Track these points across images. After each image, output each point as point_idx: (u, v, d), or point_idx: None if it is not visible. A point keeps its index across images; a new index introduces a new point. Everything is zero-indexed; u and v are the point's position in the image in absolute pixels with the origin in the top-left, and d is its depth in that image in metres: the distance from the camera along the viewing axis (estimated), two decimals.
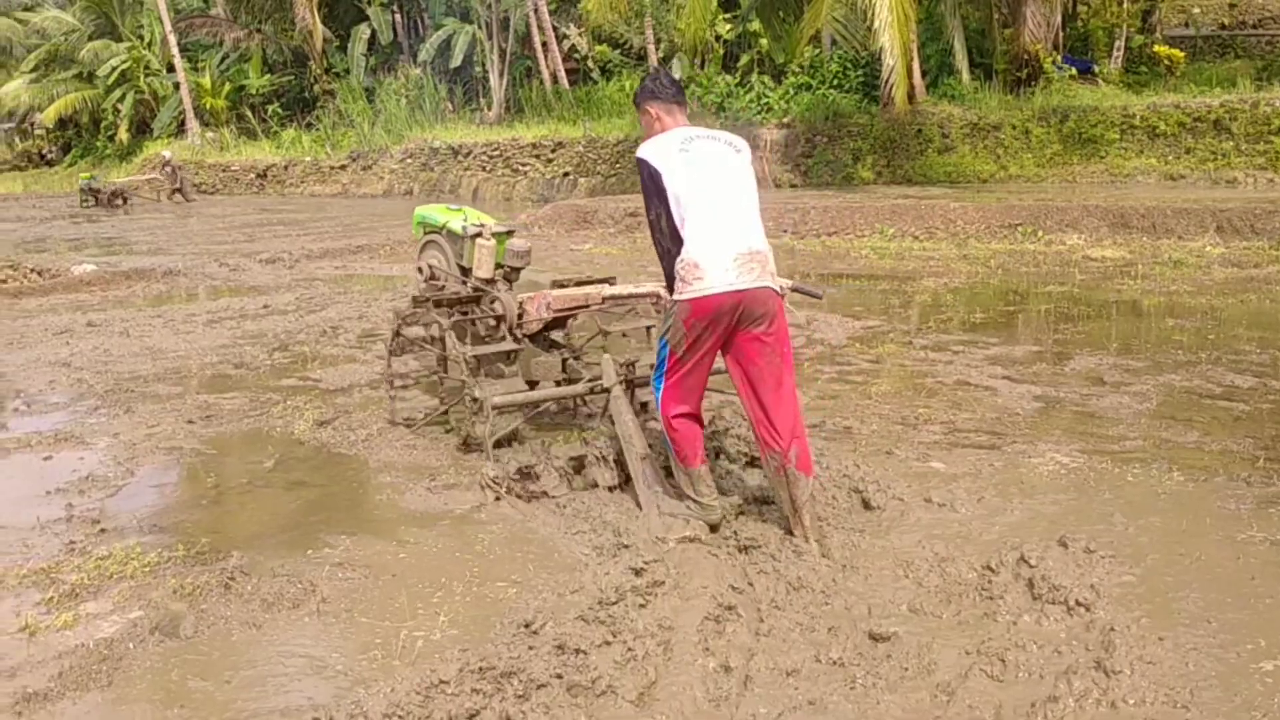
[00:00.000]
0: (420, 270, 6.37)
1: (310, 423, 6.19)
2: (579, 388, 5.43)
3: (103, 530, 4.63)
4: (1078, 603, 3.57)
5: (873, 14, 17.38)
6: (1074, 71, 20.78)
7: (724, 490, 4.63)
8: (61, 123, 42.28)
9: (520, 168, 25.81)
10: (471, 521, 4.63)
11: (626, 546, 4.14)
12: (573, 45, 30.04)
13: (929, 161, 20.14)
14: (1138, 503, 4.60)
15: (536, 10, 28.54)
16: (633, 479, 4.71)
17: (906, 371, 7.23)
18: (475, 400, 5.23)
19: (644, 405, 5.19)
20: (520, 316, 5.68)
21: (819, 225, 15.52)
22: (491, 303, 5.76)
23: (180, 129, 36.35)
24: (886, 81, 18.76)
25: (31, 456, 5.78)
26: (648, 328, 5.71)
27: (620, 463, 4.86)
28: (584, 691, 3.13)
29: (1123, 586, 3.74)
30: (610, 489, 4.86)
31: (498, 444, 5.25)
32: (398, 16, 34.01)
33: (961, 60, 20.65)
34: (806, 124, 21.58)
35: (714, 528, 4.34)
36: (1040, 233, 13.65)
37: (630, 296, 5.02)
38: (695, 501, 4.39)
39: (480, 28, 30.43)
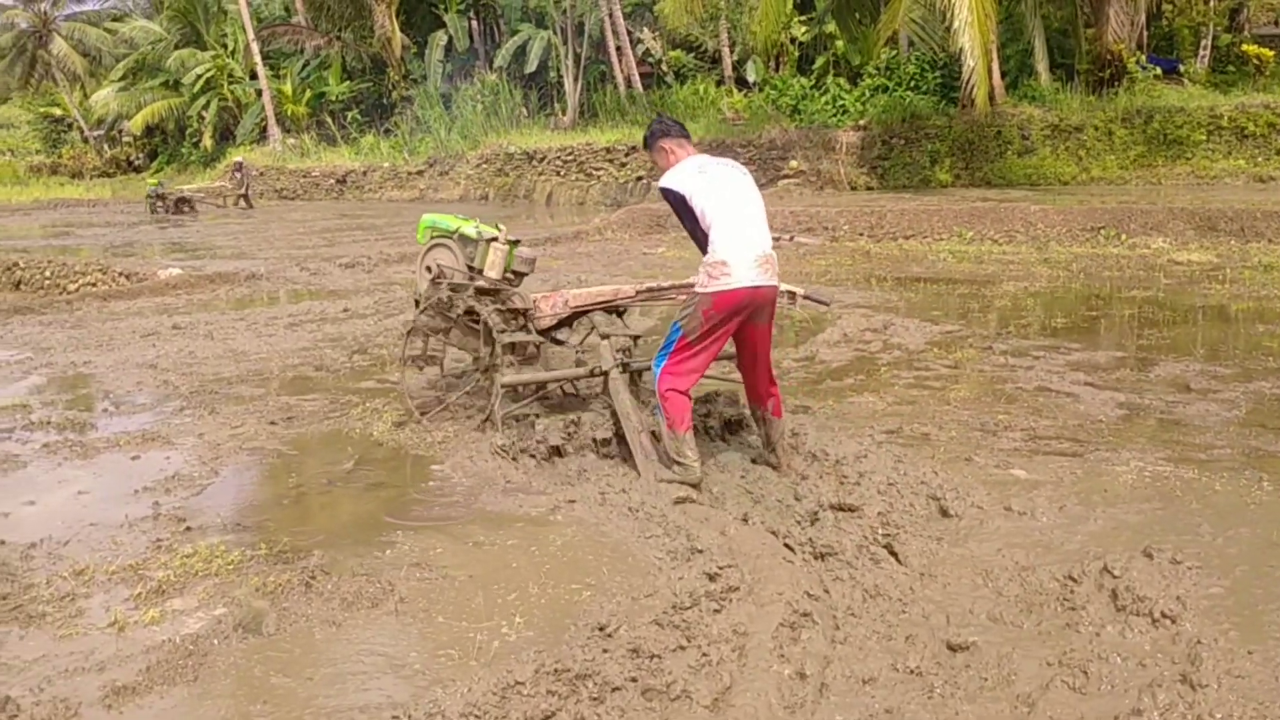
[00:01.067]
0: (429, 269, 6.65)
1: (388, 424, 6.27)
2: (581, 370, 6.01)
3: (188, 528, 4.73)
4: (1163, 614, 3.49)
5: (951, 14, 17.18)
6: (1159, 71, 20.35)
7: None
8: (148, 130, 43.43)
9: (594, 172, 25.92)
10: (546, 524, 4.66)
11: (700, 551, 4.14)
12: (647, 49, 30.10)
13: (1008, 163, 19.85)
14: (1226, 513, 4.48)
15: (611, 15, 28.64)
16: (631, 451, 5.23)
17: (985, 377, 7.13)
18: (504, 385, 5.84)
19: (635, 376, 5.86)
20: (537, 313, 6.17)
21: (895, 228, 15.37)
22: (512, 298, 6.24)
23: (262, 135, 37.10)
24: (965, 83, 18.53)
25: (120, 456, 5.92)
26: (634, 338, 6.17)
27: (617, 433, 5.46)
28: (659, 696, 3.13)
29: (1210, 598, 3.65)
30: (604, 442, 5.47)
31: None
32: (474, 23, 34.36)
33: (1042, 61, 20.33)
34: (883, 126, 21.39)
35: (696, 486, 4.95)
36: (1124, 236, 13.38)
37: (670, 289, 5.85)
38: (679, 463, 4.98)
39: (555, 33, 30.64)
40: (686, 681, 3.19)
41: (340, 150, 34.23)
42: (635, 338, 6.16)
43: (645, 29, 30.13)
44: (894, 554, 4.15)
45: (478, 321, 6.11)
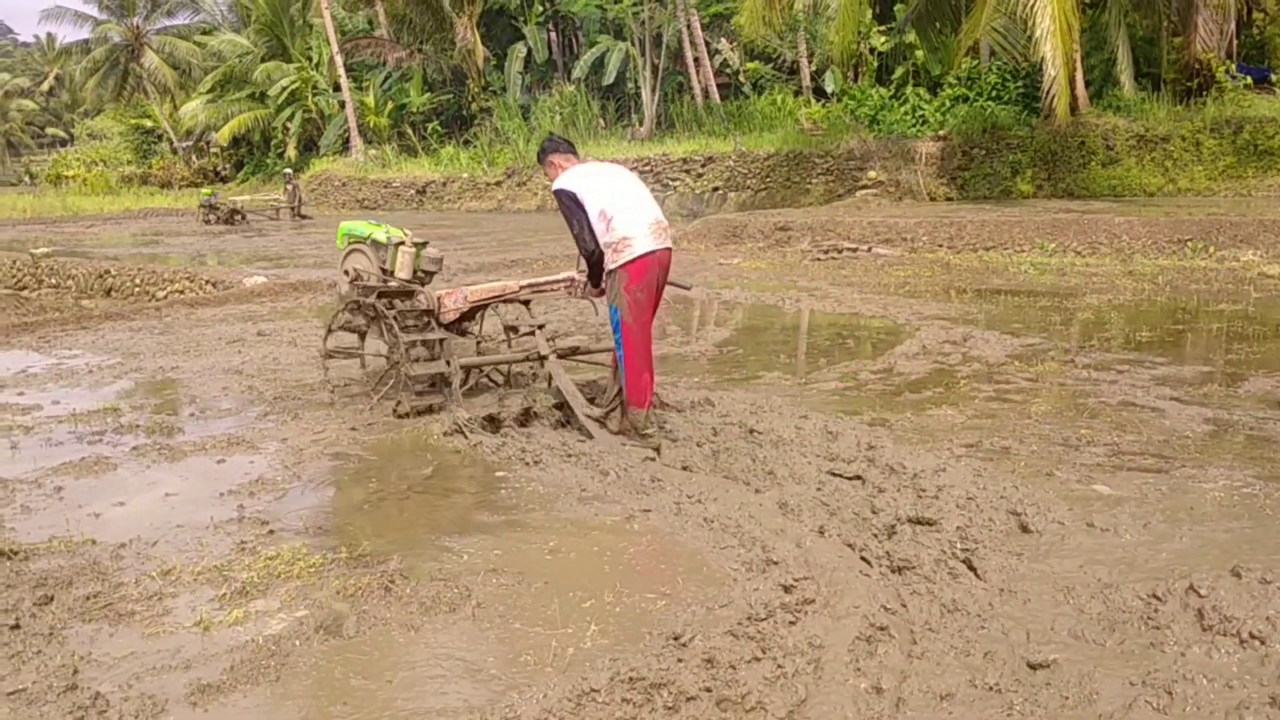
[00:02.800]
0: (346, 273, 7.21)
1: (470, 430, 6.33)
2: (518, 355, 6.77)
3: (271, 531, 4.82)
4: (1252, 635, 3.39)
5: (1034, 23, 16.93)
6: (1249, 80, 19.84)
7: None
8: (235, 141, 44.44)
9: (670, 182, 25.96)
10: (621, 532, 4.67)
11: (776, 563, 4.12)
12: (724, 60, 30.11)
13: (1092, 174, 19.50)
14: None
15: (689, 26, 28.71)
16: (583, 425, 6.08)
17: (1068, 391, 7.01)
18: (410, 376, 6.53)
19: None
20: (441, 307, 6.82)
21: (975, 239, 15.19)
22: (418, 297, 6.83)
23: (345, 146, 37.77)
24: (1048, 92, 18.22)
25: (206, 459, 6.06)
26: (540, 326, 6.92)
27: (560, 408, 6.34)
28: (733, 706, 3.13)
29: None
30: (553, 424, 6.25)
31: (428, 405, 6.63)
32: (553, 35, 34.68)
33: (1126, 70, 19.94)
34: (963, 136, 21.14)
35: (657, 450, 5.69)
36: (1212, 248, 13.06)
37: (547, 283, 6.76)
38: (644, 435, 5.87)
39: (633, 44, 30.77)
40: (761, 693, 3.18)
41: (420, 161, 34.70)
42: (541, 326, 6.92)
43: (723, 40, 30.14)
44: (973, 569, 4.09)
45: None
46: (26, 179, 70.73)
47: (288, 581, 4.22)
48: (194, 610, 3.98)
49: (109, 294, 15.21)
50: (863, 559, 4.22)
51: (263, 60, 42.16)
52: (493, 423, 6.26)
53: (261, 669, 3.48)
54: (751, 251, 16.55)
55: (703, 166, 25.34)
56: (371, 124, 36.95)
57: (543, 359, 6.52)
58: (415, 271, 6.91)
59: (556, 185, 6.01)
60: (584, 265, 6.23)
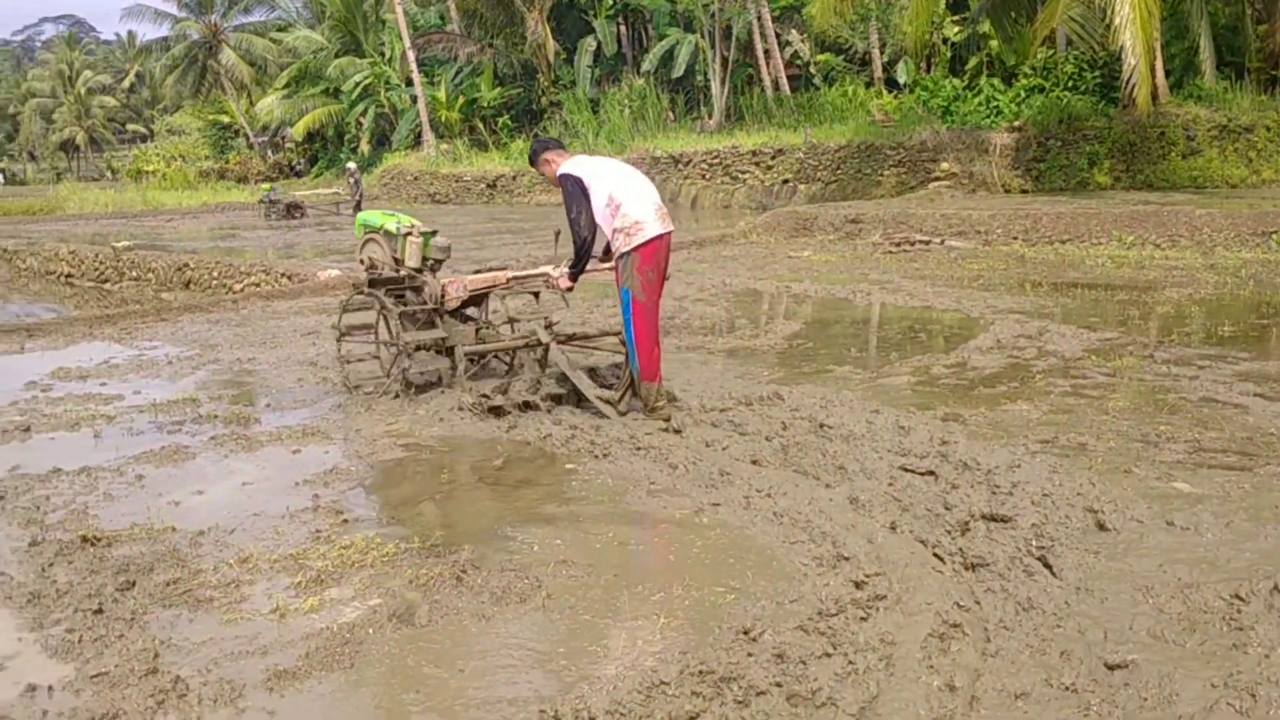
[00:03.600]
0: (362, 262, 7.66)
1: (537, 422, 6.37)
2: (519, 341, 6.96)
3: (345, 520, 4.89)
4: None
5: (1112, 12, 16.56)
6: None
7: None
8: (309, 136, 45.12)
9: (740, 175, 25.85)
10: (690, 526, 4.67)
11: (847, 558, 4.09)
12: (795, 51, 29.89)
13: (1172, 165, 19.04)
14: None
15: (759, 18, 28.54)
16: (586, 395, 6.47)
17: (1146, 386, 6.86)
18: (408, 358, 6.99)
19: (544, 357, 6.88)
20: (443, 296, 7.10)
21: (1051, 232, 14.93)
22: (422, 286, 7.14)
23: (417, 141, 38.15)
24: (1127, 82, 17.81)
25: (281, 449, 6.17)
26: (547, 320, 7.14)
27: (560, 390, 6.70)
28: (804, 702, 3.11)
29: None
30: (550, 405, 6.54)
31: (432, 384, 7.16)
32: (623, 28, 34.69)
33: (1208, 59, 19.45)
34: (1039, 127, 20.75)
35: (668, 421, 6.16)
36: None
37: (528, 277, 7.12)
38: (655, 409, 6.27)
39: (703, 37, 30.68)
40: (832, 689, 3.16)
41: (491, 155, 34.93)
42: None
43: (793, 31, 29.91)
44: (1048, 567, 4.02)
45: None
46: (108, 174, 72.66)
47: (361, 570, 4.28)
48: (270, 597, 4.05)
49: (188, 287, 15.53)
50: (935, 555, 4.18)
51: (336, 56, 42.75)
52: (496, 406, 6.54)
53: (336, 656, 3.53)
54: (822, 244, 16.43)
55: (772, 159, 25.18)
56: (443, 118, 37.27)
57: (545, 345, 6.79)
58: (424, 259, 7.25)
59: (561, 170, 6.31)
60: (562, 266, 6.62)
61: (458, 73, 38.34)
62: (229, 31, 50.97)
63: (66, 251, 18.77)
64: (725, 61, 29.99)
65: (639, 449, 5.80)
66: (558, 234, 7.01)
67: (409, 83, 38.23)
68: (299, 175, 47.48)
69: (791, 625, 3.51)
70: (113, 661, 3.55)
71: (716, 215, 23.52)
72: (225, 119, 52.54)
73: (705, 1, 29.03)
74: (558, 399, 6.71)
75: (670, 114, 31.50)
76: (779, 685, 3.17)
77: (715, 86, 30.42)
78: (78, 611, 3.95)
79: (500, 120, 36.50)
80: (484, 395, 6.60)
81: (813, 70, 29.59)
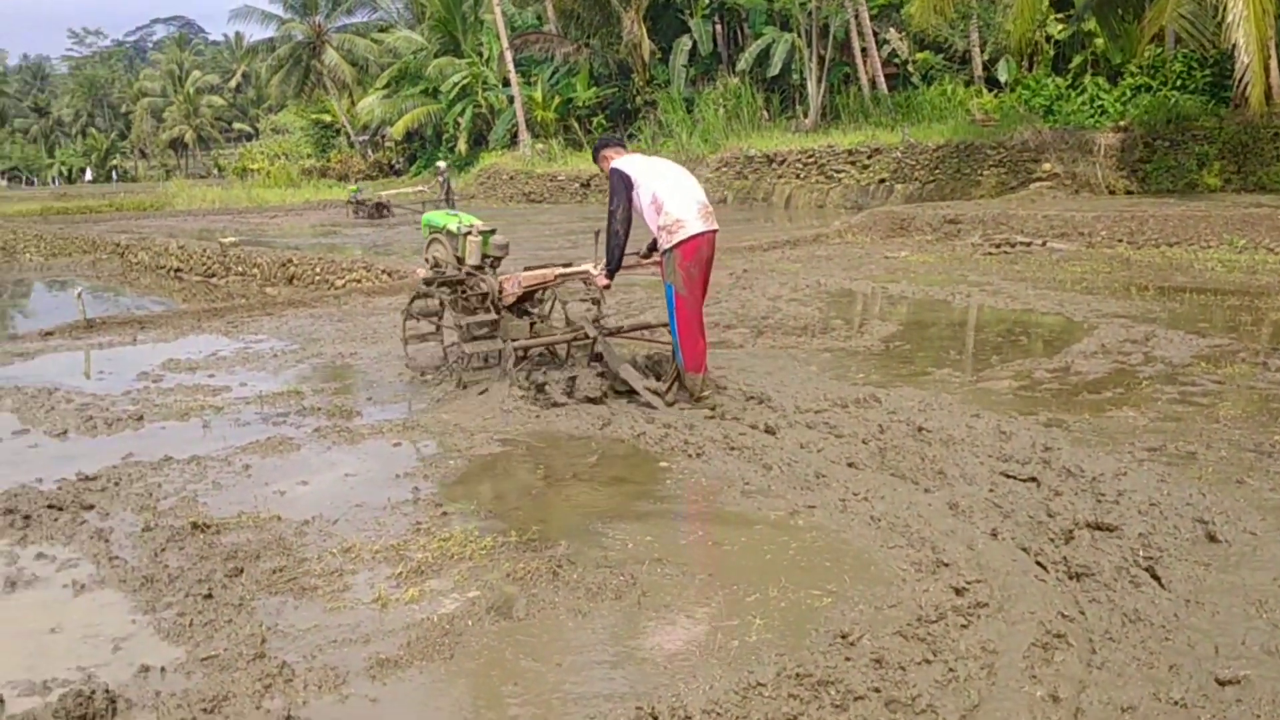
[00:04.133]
0: (427, 260, 8.10)
1: (631, 420, 6.40)
2: (568, 335, 7.37)
3: (444, 513, 4.96)
4: None
5: (1224, 9, 16.05)
6: None
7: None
8: (408, 135, 45.82)
9: (835, 174, 25.62)
10: (785, 528, 4.64)
11: (946, 565, 4.04)
12: (892, 50, 29.52)
13: None
14: None
15: (856, 16, 28.25)
16: (635, 388, 6.71)
17: (1259, 394, 6.63)
18: (466, 352, 7.46)
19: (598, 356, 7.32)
20: (500, 292, 7.42)
21: (1158, 235, 14.52)
22: (480, 283, 7.48)
23: (513, 140, 38.52)
24: (1239, 81, 17.23)
25: (382, 442, 6.28)
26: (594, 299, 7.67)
27: (603, 381, 6.93)
28: (903, 708, 3.07)
29: None
30: (596, 400, 6.74)
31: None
32: (718, 27, 34.60)
33: None
34: (1145, 127, 20.20)
35: (713, 410, 6.45)
36: None
37: (572, 274, 7.39)
38: (700, 398, 6.57)
39: (799, 36, 30.47)
40: (932, 696, 3.11)
41: (585, 154, 35.04)
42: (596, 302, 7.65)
43: (891, 30, 29.54)
44: (1156, 578, 3.91)
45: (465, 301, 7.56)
46: (215, 171, 74.73)
47: (460, 563, 4.34)
48: (372, 587, 4.13)
49: (291, 282, 15.89)
50: (1038, 564, 4.09)
51: (436, 56, 43.34)
52: (541, 391, 6.89)
53: (436, 646, 3.59)
54: (919, 245, 16.20)
55: (868, 158, 24.91)
56: (539, 118, 37.58)
57: (592, 339, 7.20)
58: (484, 256, 7.61)
59: (614, 164, 6.71)
60: (601, 265, 6.95)
61: (554, 73, 38.62)
62: (332, 32, 52.01)
63: (176, 246, 19.35)
64: (822, 60, 29.74)
65: (733, 449, 5.79)
66: (598, 234, 7.18)
67: (506, 83, 38.62)
68: (398, 174, 48.24)
69: (890, 630, 3.47)
70: (222, 645, 3.66)
71: (811, 215, 23.35)
72: (327, 118, 53.61)
73: (803, 0, 28.82)
74: (607, 390, 6.93)
75: (765, 113, 31.32)
76: (877, 691, 3.14)
77: (811, 85, 30.18)
78: (188, 596, 4.07)
79: (595, 120, 36.68)
80: (535, 385, 6.95)
81: (911, 69, 29.19)
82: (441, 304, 7.73)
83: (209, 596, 4.05)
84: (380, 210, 29.46)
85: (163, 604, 4.03)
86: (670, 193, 6.48)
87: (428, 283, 7.73)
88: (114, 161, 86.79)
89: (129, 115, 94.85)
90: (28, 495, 5.31)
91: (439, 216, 8.06)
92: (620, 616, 3.81)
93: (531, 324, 7.64)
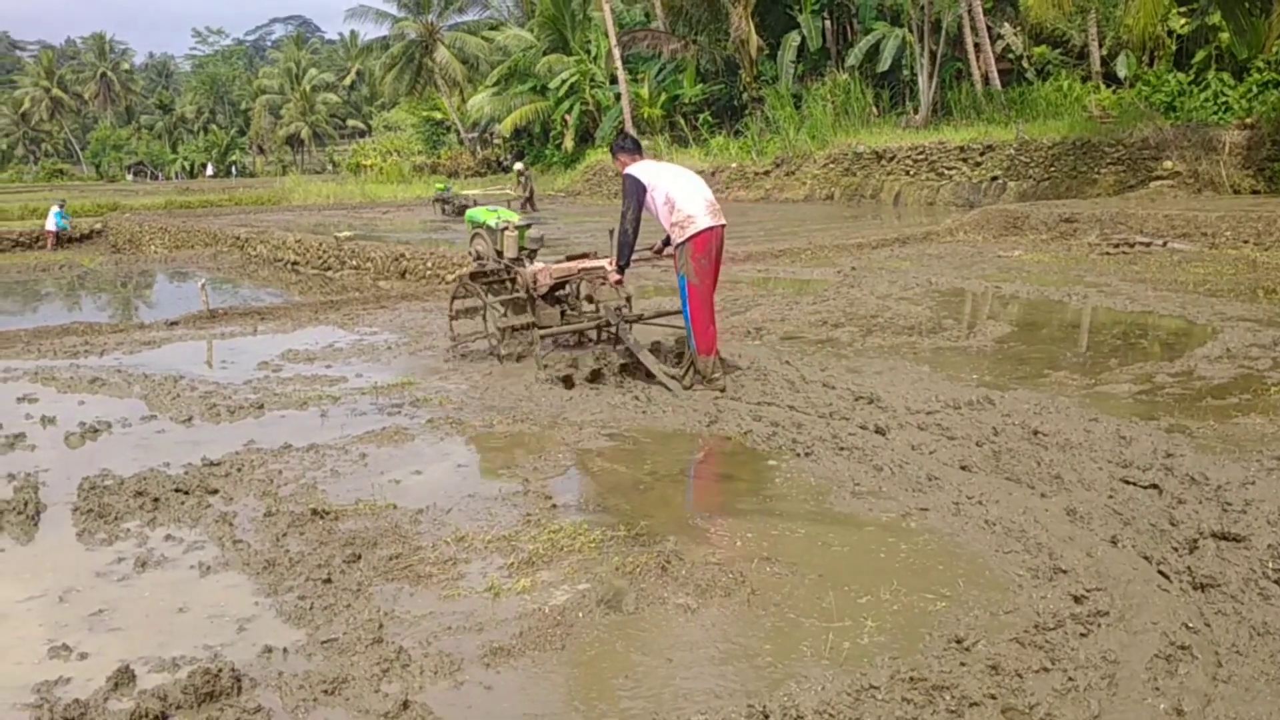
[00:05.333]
0: (470, 254, 9.04)
1: (738, 418, 6.39)
2: (592, 323, 8.03)
3: (554, 506, 5.01)
4: None
5: None
6: None
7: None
8: (516, 132, 46.34)
9: (945, 171, 25.23)
10: (897, 530, 4.59)
11: (1065, 571, 3.95)
12: (1006, 45, 28.93)
13: None
14: None
15: (970, 11, 27.75)
16: (653, 373, 7.25)
17: None
18: (507, 332, 8.21)
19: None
20: (535, 282, 8.04)
21: None
22: (514, 275, 8.30)
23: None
24: None
25: (493, 433, 6.37)
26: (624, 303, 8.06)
27: (625, 365, 7.52)
28: (1020, 716, 3.02)
29: None
30: (615, 377, 7.39)
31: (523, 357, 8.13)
32: (827, 23, 34.30)
33: None
34: (1273, 124, 19.49)
35: (723, 390, 6.99)
36: None
37: (594, 267, 7.94)
38: (710, 379, 7.05)
39: (911, 31, 30.04)
40: (1050, 705, 3.05)
41: (690, 151, 35.11)
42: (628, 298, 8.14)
43: (1006, 24, 28.96)
44: None
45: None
46: (330, 167, 76.51)
47: (570, 555, 4.38)
48: (485, 576, 4.19)
49: (403, 276, 16.20)
50: (1160, 573, 3.98)
51: (544, 54, 43.75)
52: (566, 376, 7.39)
53: (548, 637, 3.63)
54: (1033, 244, 15.86)
55: (981, 155, 24.48)
56: (645, 115, 37.69)
57: (613, 326, 7.84)
58: (521, 249, 8.39)
59: (628, 170, 7.20)
60: (618, 259, 7.51)
61: (660, 69, 38.71)
62: (444, 30, 52.88)
63: (293, 240, 19.87)
64: (933, 55, 29.28)
65: (842, 449, 5.74)
66: (612, 233, 7.62)
67: (613, 80, 38.80)
68: (505, 171, 48.80)
69: (1007, 637, 3.41)
70: (341, 629, 3.75)
71: (920, 212, 23.01)
72: (438, 115, 54.52)
73: None
74: (625, 370, 7.55)
75: (874, 109, 30.96)
76: (993, 698, 3.09)
77: (922, 81, 29.74)
78: (309, 580, 4.18)
79: (701, 116, 36.65)
80: (559, 366, 7.47)
81: (1025, 64, 28.57)
82: (483, 291, 8.43)
83: (328, 581, 4.16)
84: (465, 209, 29.71)
85: (284, 587, 4.15)
86: (682, 193, 7.02)
87: (471, 275, 8.55)
88: (233, 157, 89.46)
89: (248, 112, 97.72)
90: (156, 479, 5.51)
91: (481, 213, 8.86)
92: (730, 614, 3.81)
93: (562, 312, 8.23)
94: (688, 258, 6.96)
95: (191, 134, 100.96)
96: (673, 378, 7.20)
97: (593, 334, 8.37)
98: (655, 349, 7.93)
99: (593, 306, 8.04)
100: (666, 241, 7.36)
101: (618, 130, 35.62)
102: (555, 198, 35.90)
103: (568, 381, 7.29)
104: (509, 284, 8.44)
